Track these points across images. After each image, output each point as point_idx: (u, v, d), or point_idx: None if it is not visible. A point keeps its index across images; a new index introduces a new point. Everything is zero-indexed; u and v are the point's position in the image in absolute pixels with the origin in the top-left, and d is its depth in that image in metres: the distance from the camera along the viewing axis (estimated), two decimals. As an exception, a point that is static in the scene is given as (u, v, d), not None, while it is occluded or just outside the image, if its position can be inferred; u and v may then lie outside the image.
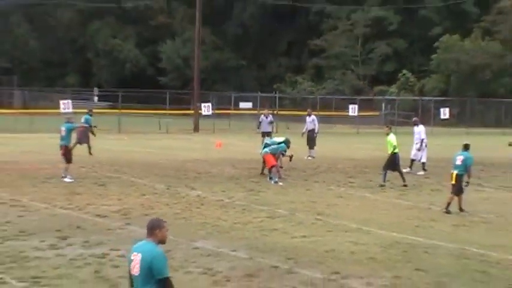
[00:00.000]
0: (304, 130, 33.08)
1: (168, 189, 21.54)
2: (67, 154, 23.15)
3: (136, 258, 6.98)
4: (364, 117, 58.34)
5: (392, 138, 23.88)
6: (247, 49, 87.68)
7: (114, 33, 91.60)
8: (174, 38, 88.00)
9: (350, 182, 24.35)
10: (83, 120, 30.84)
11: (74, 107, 50.36)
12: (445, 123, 58.54)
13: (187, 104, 59.23)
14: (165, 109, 53.56)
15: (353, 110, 56.72)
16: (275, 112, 49.79)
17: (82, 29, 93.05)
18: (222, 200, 19.76)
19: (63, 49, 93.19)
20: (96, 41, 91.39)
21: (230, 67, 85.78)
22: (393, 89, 73.06)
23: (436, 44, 72.78)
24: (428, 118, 57.60)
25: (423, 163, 27.49)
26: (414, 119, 30.11)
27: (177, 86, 78.82)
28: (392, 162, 23.78)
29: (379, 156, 28.80)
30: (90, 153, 29.63)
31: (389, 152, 23.76)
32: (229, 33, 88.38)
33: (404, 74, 74.38)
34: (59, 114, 50.07)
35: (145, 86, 68.35)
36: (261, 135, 32.27)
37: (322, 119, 47.78)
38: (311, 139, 32.44)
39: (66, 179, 22.50)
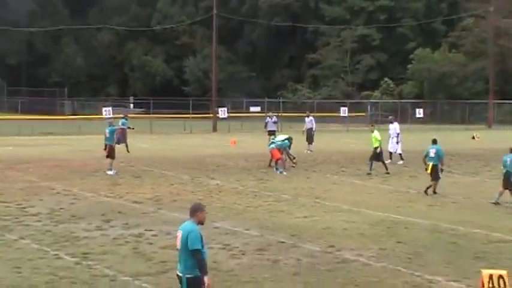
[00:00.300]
0: (304, 128, 32.94)
1: (192, 179, 21.53)
2: (111, 151, 23.00)
3: (179, 234, 7.21)
4: (353, 117, 58.15)
5: (376, 134, 23.77)
6: (256, 63, 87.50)
7: (146, 52, 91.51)
8: (195, 55, 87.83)
9: (342, 171, 24.31)
10: (120, 123, 30.65)
11: (113, 113, 50.39)
12: (419, 121, 58.25)
13: (207, 108, 59.05)
14: (188, 113, 53.14)
15: (344, 111, 56.39)
16: (279, 114, 49.48)
17: (120, 49, 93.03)
18: (236, 188, 19.75)
19: (104, 65, 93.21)
20: (131, 58, 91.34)
21: (242, 78, 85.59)
22: (377, 93, 72.68)
23: (411, 55, 72.53)
24: (406, 117, 57.43)
25: (400, 154, 27.34)
26: (390, 117, 30.09)
27: (198, 94, 78.70)
28: (377, 155, 23.71)
29: (366, 150, 28.66)
30: (127, 151, 29.60)
31: (374, 146, 23.64)
32: (241, 50, 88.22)
33: (386, 81, 73.98)
34: (102, 119, 50.33)
35: (172, 94, 68.22)
36: (267, 133, 32.20)
37: (318, 120, 47.50)
38: (310, 136, 32.32)
39: (109, 172, 22.43)
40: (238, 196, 18.19)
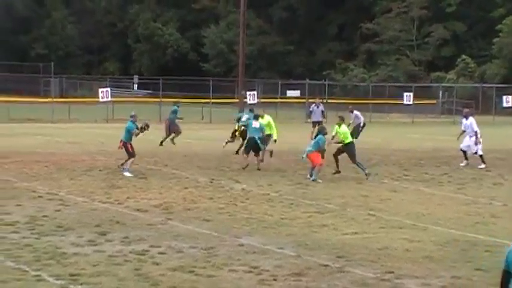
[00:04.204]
0: (351, 121, 33.51)
1: (211, 182, 21.59)
2: (128, 149, 23.22)
3: None
4: (420, 106, 57.81)
5: (344, 129, 24.03)
6: (295, 33, 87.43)
7: (154, 17, 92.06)
8: (218, 22, 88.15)
9: (404, 175, 24.22)
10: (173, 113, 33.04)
11: (113, 96, 50.77)
12: (507, 111, 57.62)
13: (232, 92, 59.29)
14: (208, 97, 53.61)
15: (408, 98, 56.34)
16: (324, 101, 49.46)
17: (121, 13, 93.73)
18: (268, 194, 19.76)
19: (101, 34, 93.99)
20: (135, 25, 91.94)
21: (277, 52, 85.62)
22: (451, 75, 72.19)
23: (498, 26, 71.66)
24: (489, 106, 56.89)
25: (481, 156, 27.07)
26: (465, 110, 29.69)
27: (221, 72, 79.06)
28: (354, 152, 23.59)
29: (436, 147, 28.59)
30: (173, 143, 31.78)
31: (345, 142, 23.61)
32: (276, 17, 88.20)
33: (463, 60, 73.40)
34: (98, 103, 50.71)
35: (187, 73, 68.57)
36: (311, 125, 32.26)
37: (374, 108, 47.64)
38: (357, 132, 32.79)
39: (125, 173, 22.55)
40: (269, 205, 18.23)
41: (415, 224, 16.20)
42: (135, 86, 79.70)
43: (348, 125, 32.68)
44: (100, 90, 50.10)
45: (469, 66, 73.11)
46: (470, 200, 19.67)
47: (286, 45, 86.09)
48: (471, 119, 27.63)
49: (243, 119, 29.89)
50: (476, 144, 27.03)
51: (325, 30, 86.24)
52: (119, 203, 17.94)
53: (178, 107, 33.81)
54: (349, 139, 23.82)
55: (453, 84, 66.13)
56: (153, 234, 14.58)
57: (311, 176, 22.93)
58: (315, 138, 24.36)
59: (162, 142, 32.12)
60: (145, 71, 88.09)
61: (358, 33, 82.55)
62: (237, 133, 29.22)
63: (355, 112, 34.56)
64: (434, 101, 62.13)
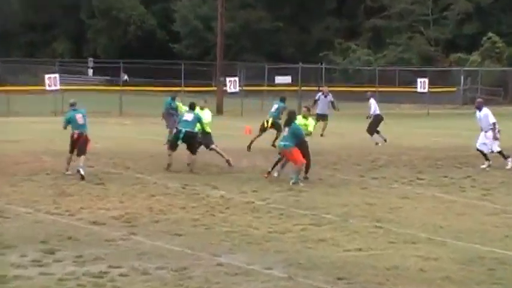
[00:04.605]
0: (371, 112, 33.93)
1: (183, 188, 21.55)
2: (85, 143, 23.45)
3: None
4: (437, 95, 57.86)
5: (311, 122, 24.42)
6: (285, 7, 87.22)
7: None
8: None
9: (418, 179, 24.23)
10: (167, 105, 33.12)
11: (62, 83, 50.42)
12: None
13: (208, 78, 59.12)
14: (179, 85, 53.28)
15: (422, 85, 56.36)
16: (321, 88, 49.35)
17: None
18: (252, 202, 19.72)
19: (47, 8, 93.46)
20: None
21: (263, 30, 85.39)
22: (475, 57, 72.27)
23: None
24: (521, 94, 57.05)
25: (501, 152, 27.01)
26: (478, 99, 29.66)
27: (195, 55, 78.80)
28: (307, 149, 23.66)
29: (456, 145, 28.67)
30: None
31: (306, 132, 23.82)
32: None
33: (489, 38, 73.47)
34: (44, 92, 50.37)
35: (153, 55, 68.43)
36: (316, 118, 32.33)
37: (382, 97, 47.55)
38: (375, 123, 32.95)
39: (82, 171, 22.69)
40: (254, 216, 18.16)
41: (431, 238, 16.14)
42: (90, 71, 79.42)
43: (367, 118, 33.66)
44: (47, 76, 49.84)
45: (496, 46, 73.17)
46: (498, 209, 19.57)
47: (275, 22, 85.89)
48: (486, 110, 27.30)
49: (272, 109, 31.05)
50: (496, 139, 26.89)
51: (321, 2, 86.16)
52: (70, 215, 17.79)
53: (173, 98, 33.72)
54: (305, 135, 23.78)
55: (477, 68, 66.14)
56: (112, 252, 14.48)
57: (291, 178, 22.72)
58: (287, 128, 23.51)
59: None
60: (103, 53, 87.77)
61: (361, 7, 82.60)
62: (266, 125, 30.68)
63: (372, 100, 34.27)
64: (454, 89, 62.31)
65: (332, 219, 17.86)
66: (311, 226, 17.13)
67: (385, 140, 33.17)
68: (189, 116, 25.39)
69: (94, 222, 17.02)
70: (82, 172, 22.66)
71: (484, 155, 26.97)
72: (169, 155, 25.31)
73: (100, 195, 20.31)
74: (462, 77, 64.02)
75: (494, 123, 26.90)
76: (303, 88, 55.87)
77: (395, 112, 52.29)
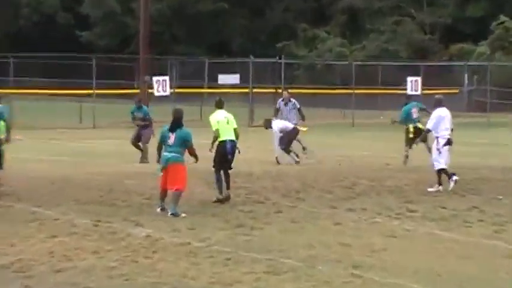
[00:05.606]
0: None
1: (95, 225, 19.40)
2: None
3: None
4: (433, 97, 55.60)
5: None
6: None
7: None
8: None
9: (409, 210, 22.16)
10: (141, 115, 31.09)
11: None
12: None
13: (129, 78, 56.52)
14: (90, 87, 51.18)
15: (413, 84, 53.39)
16: (279, 90, 46.63)
17: None
18: (188, 244, 17.68)
19: None
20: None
21: (202, 13, 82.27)
22: (483, 48, 69.59)
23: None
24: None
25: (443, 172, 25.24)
26: (437, 96, 27.36)
27: (111, 46, 76.25)
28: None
29: (459, 164, 27.49)
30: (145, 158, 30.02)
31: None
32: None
33: (501, 23, 70.76)
34: None
35: (55, 47, 65.84)
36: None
37: (359, 102, 45.58)
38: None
39: None
40: (191, 262, 16.17)
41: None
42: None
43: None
44: None
45: (510, 33, 70.63)
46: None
47: (218, 1, 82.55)
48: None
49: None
50: (439, 152, 25.21)
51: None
52: None
53: (138, 107, 31.59)
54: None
55: (486, 63, 63.14)
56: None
57: (164, 209, 21.13)
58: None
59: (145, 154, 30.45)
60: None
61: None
62: (410, 135, 29.72)
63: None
64: (456, 90, 60.06)
65: (294, 265, 16.05)
66: (267, 275, 15.36)
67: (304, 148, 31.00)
68: None
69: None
70: None
71: (447, 173, 25.44)
72: None
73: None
74: (466, 75, 62.84)
75: (428, 130, 25.77)
76: (254, 90, 54.37)
77: (378, 121, 51.14)
